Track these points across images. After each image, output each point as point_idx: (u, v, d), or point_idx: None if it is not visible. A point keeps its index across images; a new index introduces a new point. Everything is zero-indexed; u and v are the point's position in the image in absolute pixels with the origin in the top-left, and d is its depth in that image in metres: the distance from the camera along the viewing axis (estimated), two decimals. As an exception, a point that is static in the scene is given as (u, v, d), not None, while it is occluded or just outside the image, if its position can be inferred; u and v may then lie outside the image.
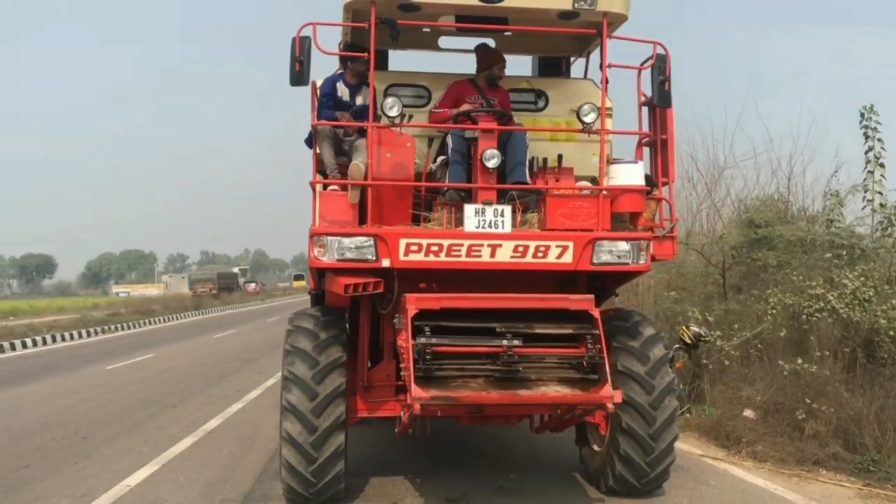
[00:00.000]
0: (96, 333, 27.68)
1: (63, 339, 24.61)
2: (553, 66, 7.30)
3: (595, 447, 6.71)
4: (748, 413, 8.62)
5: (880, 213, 10.99)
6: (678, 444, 8.52)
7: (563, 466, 7.31)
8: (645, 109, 6.60)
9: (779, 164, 13.93)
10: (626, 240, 5.76)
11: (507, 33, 6.70)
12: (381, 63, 7.02)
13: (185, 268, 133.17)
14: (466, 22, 6.10)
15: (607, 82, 6.06)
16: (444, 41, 6.96)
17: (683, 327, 9.48)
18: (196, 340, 24.42)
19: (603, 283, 6.75)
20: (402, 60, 7.34)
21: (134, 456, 7.98)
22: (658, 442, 6.09)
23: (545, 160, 6.75)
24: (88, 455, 8.07)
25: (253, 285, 79.41)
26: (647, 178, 6.39)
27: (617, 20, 5.95)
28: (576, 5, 5.69)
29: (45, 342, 23.38)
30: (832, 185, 12.27)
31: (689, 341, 9.23)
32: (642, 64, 6.17)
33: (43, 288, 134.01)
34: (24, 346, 22.32)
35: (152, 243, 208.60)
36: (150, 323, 34.79)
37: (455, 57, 7.09)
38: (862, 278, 9.71)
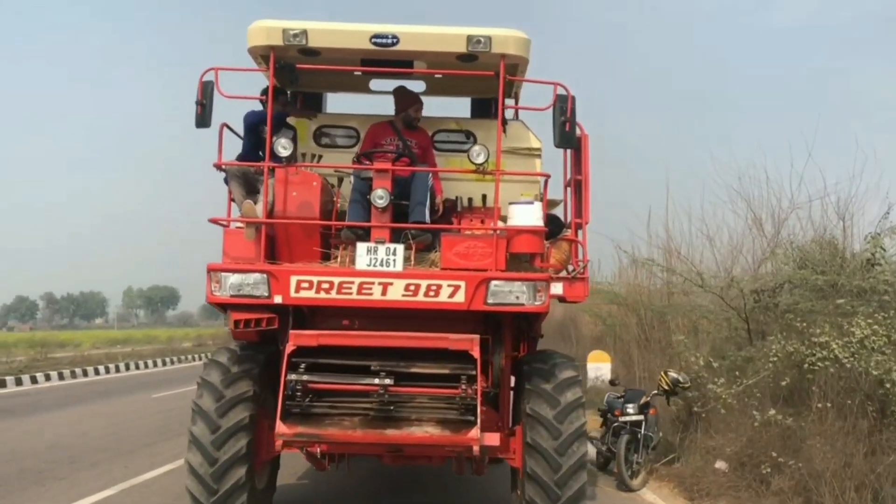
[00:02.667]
0: (171, 363, 28.92)
1: (136, 368, 25.85)
2: (485, 108, 7.34)
3: (519, 492, 6.59)
4: (720, 465, 8.24)
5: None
6: (646, 494, 8.34)
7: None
8: (569, 151, 6.56)
9: (828, 210, 13.29)
10: (521, 280, 5.69)
11: (437, 76, 6.79)
12: (316, 105, 7.24)
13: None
14: (375, 66, 6.23)
15: (504, 122, 6.05)
16: (375, 84, 7.11)
17: (662, 373, 9.19)
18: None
19: (529, 323, 6.68)
20: (344, 103, 7.55)
21: (104, 480, 8.32)
22: (564, 489, 5.90)
23: (470, 200, 6.78)
24: (63, 478, 8.47)
25: None
26: (556, 219, 6.33)
27: (520, 63, 5.97)
28: (470, 48, 5.74)
29: (117, 370, 24.64)
30: (882, 227, 11.69)
31: (666, 387, 8.93)
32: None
33: (167, 318, 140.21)
34: (97, 372, 23.58)
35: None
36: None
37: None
38: (875, 326, 9.16)
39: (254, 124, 6.42)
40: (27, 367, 22.42)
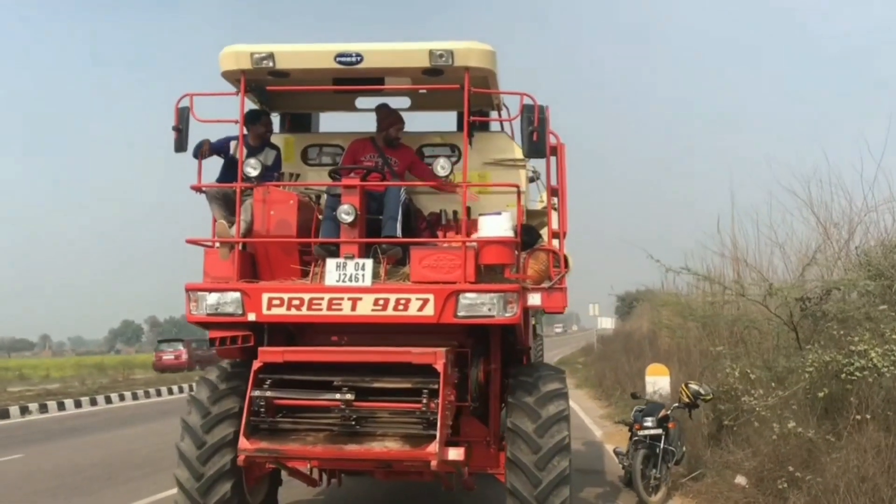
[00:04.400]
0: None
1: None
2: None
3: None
4: (740, 480, 7.92)
5: None
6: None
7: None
8: (553, 159, 6.51)
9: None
10: (490, 292, 5.63)
11: (421, 91, 6.81)
12: (304, 125, 7.36)
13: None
14: (348, 84, 6.29)
15: (471, 135, 6.03)
16: (361, 102, 7.18)
17: (683, 385, 8.89)
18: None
19: (516, 335, 6.60)
20: (337, 122, 7.65)
21: (128, 497, 8.59)
22: (544, 505, 5.78)
23: (455, 213, 6.76)
24: (92, 493, 8.82)
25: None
26: (531, 229, 6.25)
27: (488, 75, 5.95)
28: (433, 63, 5.75)
29: (190, 389, 25.14)
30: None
31: (687, 400, 8.64)
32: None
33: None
34: (170, 392, 24.48)
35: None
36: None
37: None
38: (921, 332, 8.65)
39: (221, 148, 6.53)
40: (103, 387, 23.40)
